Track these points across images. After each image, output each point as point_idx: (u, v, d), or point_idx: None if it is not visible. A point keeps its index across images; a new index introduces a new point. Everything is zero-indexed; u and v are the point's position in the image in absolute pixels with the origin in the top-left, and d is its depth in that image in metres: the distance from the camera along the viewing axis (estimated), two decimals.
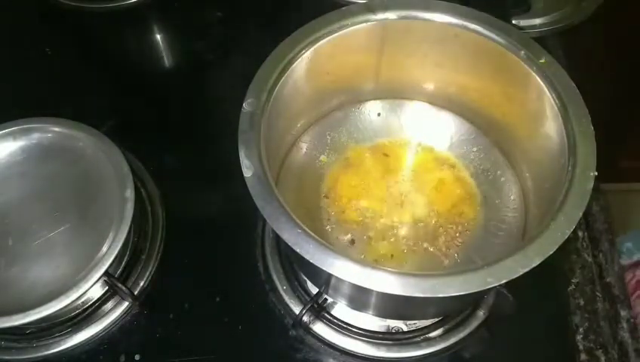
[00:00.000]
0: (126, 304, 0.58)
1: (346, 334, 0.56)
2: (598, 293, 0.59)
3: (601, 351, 0.56)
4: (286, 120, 0.55)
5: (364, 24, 0.53)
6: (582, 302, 0.59)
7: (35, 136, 0.61)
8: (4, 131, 0.61)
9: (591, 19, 0.78)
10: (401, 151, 0.60)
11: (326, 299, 0.56)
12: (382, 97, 0.62)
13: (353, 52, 0.56)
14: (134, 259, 0.60)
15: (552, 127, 0.50)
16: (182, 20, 0.84)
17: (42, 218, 0.58)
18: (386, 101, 0.62)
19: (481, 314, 0.57)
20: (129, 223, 0.55)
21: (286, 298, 0.58)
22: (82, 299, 0.55)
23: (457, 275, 0.41)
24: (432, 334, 0.56)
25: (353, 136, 0.61)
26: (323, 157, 0.60)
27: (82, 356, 0.56)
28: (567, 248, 0.61)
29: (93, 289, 0.53)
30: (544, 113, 0.50)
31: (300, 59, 0.52)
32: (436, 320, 0.56)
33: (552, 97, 0.49)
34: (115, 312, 0.57)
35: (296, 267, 0.59)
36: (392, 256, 0.55)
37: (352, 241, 0.56)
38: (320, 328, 0.56)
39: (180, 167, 0.68)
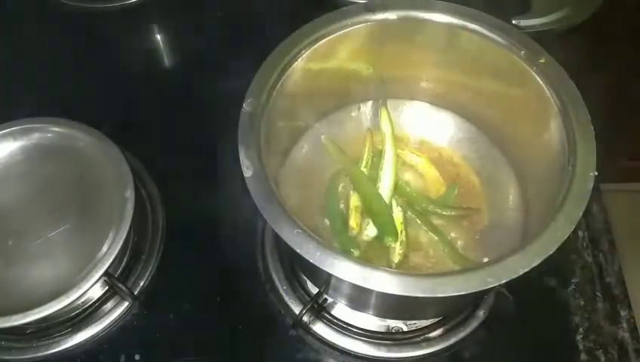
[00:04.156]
0: (126, 304, 0.58)
1: (346, 334, 0.56)
2: (598, 293, 0.59)
3: (601, 350, 0.56)
4: (286, 120, 0.55)
5: (364, 24, 0.54)
6: (582, 302, 0.59)
7: (35, 136, 0.61)
8: (4, 131, 0.61)
9: (591, 19, 0.78)
10: (401, 151, 0.60)
11: (326, 299, 0.56)
12: (381, 97, 0.62)
13: (353, 52, 0.56)
14: (134, 259, 0.60)
15: (552, 127, 0.50)
16: (182, 20, 0.84)
17: (42, 218, 0.58)
18: (386, 101, 0.62)
19: (481, 314, 0.57)
20: (129, 223, 0.55)
21: (286, 298, 0.58)
22: (82, 299, 0.55)
23: (457, 275, 0.41)
24: (432, 334, 0.56)
25: (353, 136, 0.61)
26: (323, 158, 0.60)
27: (82, 356, 0.56)
28: (567, 248, 0.61)
29: (93, 289, 0.53)
30: (544, 113, 0.50)
31: (299, 60, 0.52)
32: (436, 320, 0.56)
33: (552, 97, 0.49)
34: (115, 312, 0.58)
35: (297, 267, 0.59)
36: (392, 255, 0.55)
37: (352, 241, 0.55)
38: (320, 328, 0.57)
39: (180, 167, 0.68)
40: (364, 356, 0.56)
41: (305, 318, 0.55)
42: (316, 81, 0.55)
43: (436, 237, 0.55)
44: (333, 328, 0.56)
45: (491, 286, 0.40)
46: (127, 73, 0.77)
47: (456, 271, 0.41)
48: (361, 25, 0.53)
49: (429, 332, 0.56)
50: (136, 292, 0.58)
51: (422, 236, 0.56)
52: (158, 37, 0.83)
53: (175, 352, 0.56)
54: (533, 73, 0.50)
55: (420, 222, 0.56)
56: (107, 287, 0.57)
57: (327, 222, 0.57)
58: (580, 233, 0.63)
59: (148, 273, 0.60)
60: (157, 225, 0.63)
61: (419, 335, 0.56)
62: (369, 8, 0.53)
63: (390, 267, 0.53)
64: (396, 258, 0.54)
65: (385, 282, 0.40)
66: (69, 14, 0.82)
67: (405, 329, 0.56)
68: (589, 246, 0.62)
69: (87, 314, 0.57)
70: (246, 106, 0.48)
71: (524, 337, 0.57)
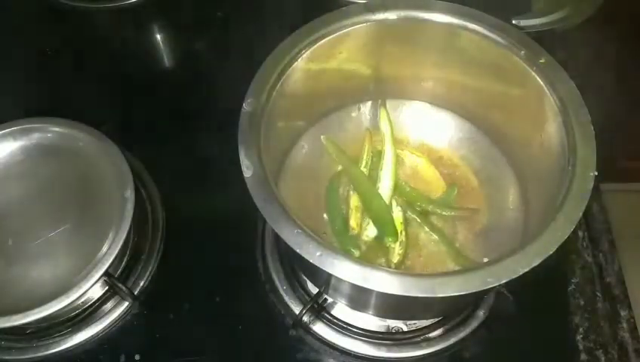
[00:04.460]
0: (126, 304, 0.58)
1: (346, 334, 0.56)
2: (598, 293, 0.59)
3: (601, 350, 0.56)
4: (286, 120, 0.55)
5: (364, 24, 0.53)
6: (582, 302, 0.59)
7: (35, 136, 0.61)
8: (4, 131, 0.61)
9: (591, 19, 0.78)
10: (400, 151, 0.60)
11: (326, 299, 0.56)
12: (381, 97, 0.62)
13: (353, 52, 0.56)
14: (134, 259, 0.60)
15: (552, 127, 0.50)
16: (182, 20, 0.84)
17: (42, 218, 0.58)
18: (385, 101, 0.62)
19: (481, 314, 0.57)
20: (129, 223, 0.55)
21: (286, 298, 0.58)
22: (82, 299, 0.55)
23: (457, 275, 0.41)
24: (432, 334, 0.56)
25: (353, 137, 0.61)
26: (323, 158, 0.60)
27: (82, 356, 0.56)
28: (567, 248, 0.61)
29: (93, 289, 0.53)
30: (544, 113, 0.50)
31: (299, 60, 0.52)
32: (436, 320, 0.56)
33: (552, 97, 0.49)
34: (115, 312, 0.58)
35: (297, 267, 0.59)
36: (391, 255, 0.55)
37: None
38: (320, 328, 0.57)
39: (180, 167, 0.68)
40: (364, 356, 0.56)
41: (305, 318, 0.55)
42: (316, 81, 0.55)
43: (436, 237, 0.55)
44: (334, 328, 0.56)
45: (491, 286, 0.40)
46: (127, 73, 0.77)
47: (456, 271, 0.42)
48: (361, 25, 0.53)
49: (429, 332, 0.56)
50: (136, 293, 0.58)
51: (422, 236, 0.56)
52: (158, 37, 0.83)
53: (175, 352, 0.56)
54: (534, 73, 0.50)
55: (420, 221, 0.56)
56: (107, 287, 0.57)
57: (327, 222, 0.57)
58: (580, 233, 0.63)
59: (148, 273, 0.60)
60: (157, 225, 0.63)
61: (419, 335, 0.56)
62: (369, 8, 0.53)
63: (390, 267, 0.53)
64: (395, 258, 0.54)
65: (385, 282, 0.40)
66: (69, 14, 0.82)
67: (405, 329, 0.56)
68: (589, 246, 0.62)
69: (87, 314, 0.57)
70: (246, 106, 0.48)
71: (524, 337, 0.57)
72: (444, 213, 0.57)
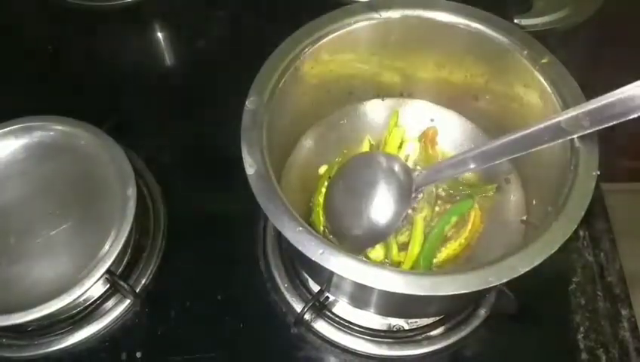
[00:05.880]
0: (127, 302, 0.58)
1: (347, 332, 0.56)
2: (599, 293, 0.59)
3: (601, 350, 0.57)
4: (288, 118, 0.55)
5: (367, 22, 0.54)
6: (583, 301, 0.59)
7: (37, 135, 0.61)
8: (6, 129, 0.61)
9: (593, 18, 0.78)
10: (402, 150, 0.60)
11: (327, 297, 0.56)
12: (384, 96, 0.62)
13: (355, 51, 0.56)
14: (136, 256, 0.60)
15: None
16: (183, 19, 0.84)
17: (44, 216, 0.58)
18: (387, 100, 0.62)
19: (482, 312, 0.57)
20: (131, 221, 0.55)
21: (287, 296, 0.58)
22: (84, 297, 0.55)
23: (459, 274, 0.41)
24: (434, 332, 0.56)
25: (355, 135, 0.61)
26: (325, 155, 0.60)
27: (84, 353, 0.56)
28: (568, 248, 0.61)
29: (94, 287, 0.53)
30: (547, 112, 0.50)
31: (302, 58, 0.52)
32: (437, 318, 0.56)
33: (555, 97, 0.49)
34: (117, 310, 0.58)
35: (298, 265, 0.59)
36: (392, 254, 0.55)
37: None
38: (321, 326, 0.57)
39: (182, 165, 0.68)
40: (365, 354, 0.56)
41: (306, 316, 0.55)
42: (318, 79, 0.55)
43: (436, 234, 0.55)
44: (335, 326, 0.57)
45: (492, 285, 0.41)
46: (128, 72, 0.77)
47: (458, 270, 0.41)
48: (363, 23, 0.53)
49: (430, 331, 0.56)
50: (137, 290, 0.58)
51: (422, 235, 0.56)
52: (160, 35, 0.83)
53: (176, 350, 0.56)
54: (536, 73, 0.50)
55: (424, 219, 0.56)
56: (109, 285, 0.57)
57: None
58: (581, 232, 0.63)
59: (149, 271, 0.60)
60: (158, 223, 0.63)
61: (420, 334, 0.56)
62: (372, 7, 0.54)
63: (391, 265, 0.53)
64: (397, 256, 0.54)
65: (387, 280, 0.40)
66: (70, 12, 0.82)
67: (407, 327, 0.56)
68: (589, 245, 0.62)
69: (88, 311, 0.57)
70: (249, 104, 0.48)
71: (525, 336, 0.57)
72: (466, 190, 0.57)
